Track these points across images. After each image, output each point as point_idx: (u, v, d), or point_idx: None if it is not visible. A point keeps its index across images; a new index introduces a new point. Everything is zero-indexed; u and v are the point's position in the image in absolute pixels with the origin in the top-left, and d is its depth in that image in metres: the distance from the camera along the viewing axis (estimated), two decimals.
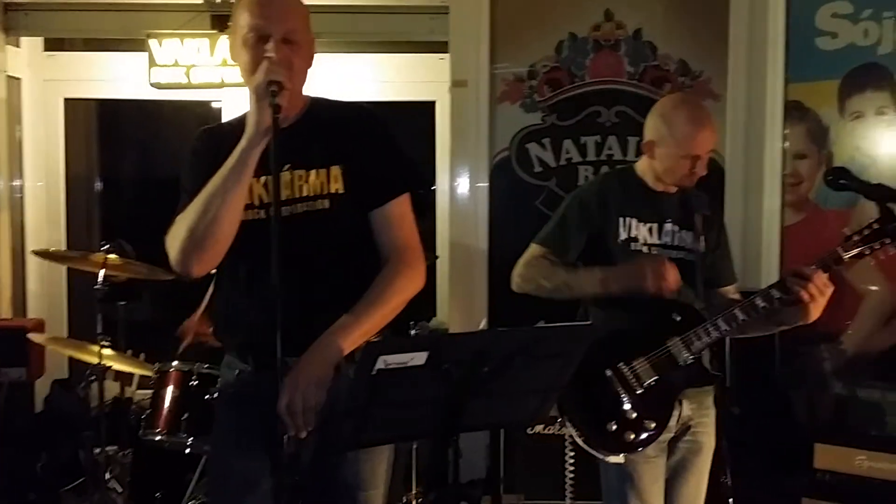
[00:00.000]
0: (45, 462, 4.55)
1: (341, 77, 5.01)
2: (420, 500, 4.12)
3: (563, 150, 4.63)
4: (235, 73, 2.25)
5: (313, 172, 2.23)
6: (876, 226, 2.55)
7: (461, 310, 4.67)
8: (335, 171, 2.23)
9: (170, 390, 3.55)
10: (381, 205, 2.26)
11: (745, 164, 4.52)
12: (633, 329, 2.76)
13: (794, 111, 4.37)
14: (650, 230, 2.83)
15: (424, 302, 4.68)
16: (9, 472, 4.40)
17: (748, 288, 3.05)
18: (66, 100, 5.31)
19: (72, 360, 4.82)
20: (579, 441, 2.75)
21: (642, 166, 2.91)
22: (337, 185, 2.23)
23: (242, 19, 2.18)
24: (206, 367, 3.53)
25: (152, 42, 4.75)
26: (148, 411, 3.62)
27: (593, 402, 2.71)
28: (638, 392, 2.70)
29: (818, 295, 2.57)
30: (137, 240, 4.32)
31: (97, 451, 4.01)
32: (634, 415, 2.69)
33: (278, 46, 2.14)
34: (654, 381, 2.70)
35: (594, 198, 2.87)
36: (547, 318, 2.83)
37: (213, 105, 5.28)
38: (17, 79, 5.13)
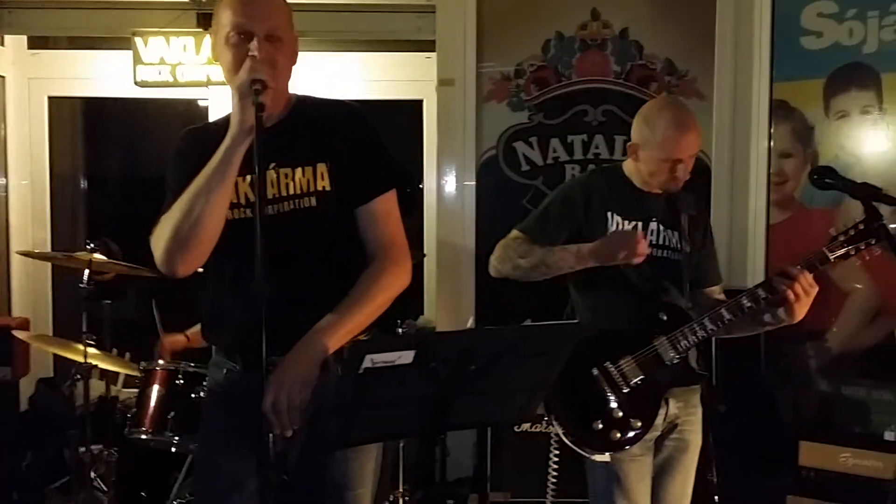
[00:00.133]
0: (30, 461, 4.53)
1: (328, 76, 5.00)
2: (407, 498, 4.12)
3: (550, 148, 4.64)
4: (221, 72, 2.22)
5: (299, 170, 2.21)
6: (861, 226, 2.56)
7: (448, 308, 4.66)
8: (321, 168, 2.22)
9: (155, 389, 3.55)
10: (366, 201, 2.25)
11: (730, 163, 4.55)
12: (620, 328, 2.77)
13: (780, 110, 4.40)
14: (634, 228, 2.82)
15: (412, 300, 4.68)
16: None
17: (734, 286, 3.07)
18: (51, 98, 5.27)
19: (57, 358, 4.81)
20: (566, 439, 2.75)
21: (629, 167, 2.91)
22: (324, 183, 2.22)
23: (224, 17, 2.15)
24: (192, 366, 3.54)
25: (138, 40, 4.74)
26: (133, 410, 3.62)
27: (580, 400, 2.72)
28: (624, 391, 2.71)
29: (803, 295, 2.58)
30: (123, 238, 4.30)
31: (82, 449, 3.99)
32: (621, 414, 2.70)
33: (261, 44, 2.10)
34: (641, 380, 2.71)
35: (579, 194, 2.87)
36: (534, 317, 2.83)
37: (199, 103, 5.26)
38: (1, 77, 5.09)
